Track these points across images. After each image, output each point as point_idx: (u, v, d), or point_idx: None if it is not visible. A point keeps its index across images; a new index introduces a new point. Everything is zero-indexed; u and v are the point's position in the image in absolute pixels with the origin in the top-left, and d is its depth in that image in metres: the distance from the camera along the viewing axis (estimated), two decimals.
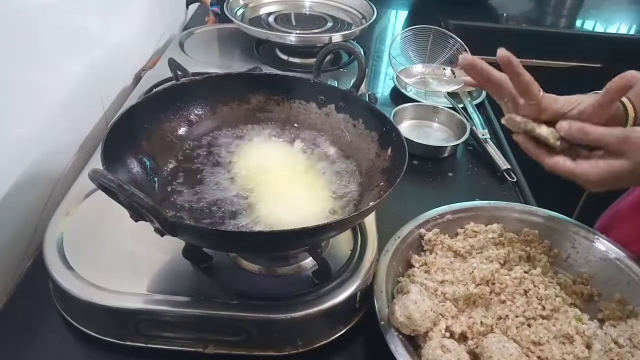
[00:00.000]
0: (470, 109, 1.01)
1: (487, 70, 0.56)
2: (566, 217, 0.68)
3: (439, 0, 1.62)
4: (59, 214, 0.63)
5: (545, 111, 0.56)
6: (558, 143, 0.54)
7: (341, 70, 1.05)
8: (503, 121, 0.59)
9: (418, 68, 1.17)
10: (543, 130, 0.55)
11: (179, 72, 0.66)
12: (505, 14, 1.67)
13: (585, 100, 0.55)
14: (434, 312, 0.53)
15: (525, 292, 0.59)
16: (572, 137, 0.54)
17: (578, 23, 1.70)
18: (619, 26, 1.70)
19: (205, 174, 0.61)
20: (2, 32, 0.59)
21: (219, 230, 0.51)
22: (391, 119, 0.66)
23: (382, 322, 0.53)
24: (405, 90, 1.09)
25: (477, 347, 0.53)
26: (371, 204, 0.51)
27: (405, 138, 0.58)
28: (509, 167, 0.87)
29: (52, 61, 0.72)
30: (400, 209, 0.71)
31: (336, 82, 0.96)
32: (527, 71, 0.55)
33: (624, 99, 0.58)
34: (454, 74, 1.14)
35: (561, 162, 0.54)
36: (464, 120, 0.95)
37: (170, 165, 0.61)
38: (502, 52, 0.54)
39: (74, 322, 0.55)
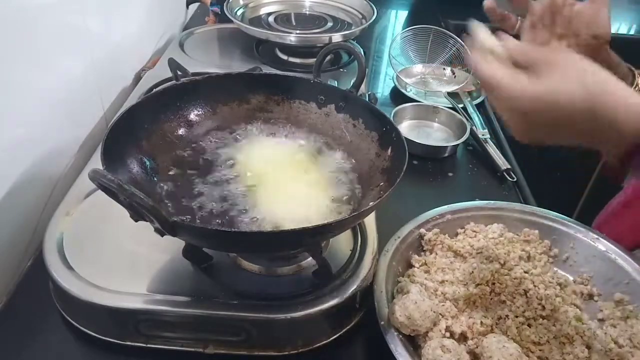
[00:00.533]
0: (470, 109, 1.01)
1: None
2: (566, 217, 0.68)
3: (439, 0, 1.62)
4: (59, 214, 0.63)
5: (554, 3, 0.60)
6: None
7: (341, 70, 1.05)
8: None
9: (418, 68, 1.17)
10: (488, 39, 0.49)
11: (179, 72, 0.66)
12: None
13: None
14: (434, 312, 0.53)
15: (525, 292, 0.59)
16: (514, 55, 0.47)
17: None
18: (619, 26, 1.70)
19: (205, 173, 0.61)
20: (2, 32, 0.59)
21: (219, 230, 0.51)
22: (391, 119, 0.66)
23: (382, 322, 0.53)
24: (405, 90, 1.09)
25: (477, 347, 0.53)
26: (371, 204, 0.51)
27: (405, 138, 0.58)
28: (509, 167, 0.88)
29: (52, 61, 0.72)
30: (400, 209, 0.71)
31: (336, 82, 0.96)
32: None
33: (632, 67, 0.60)
34: (454, 74, 1.14)
35: (492, 68, 0.45)
36: (464, 120, 0.95)
37: (170, 165, 0.61)
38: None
39: (74, 322, 0.56)
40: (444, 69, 1.16)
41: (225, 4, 1.08)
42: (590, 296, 0.62)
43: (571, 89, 0.41)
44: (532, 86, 0.43)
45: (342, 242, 0.63)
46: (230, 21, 1.06)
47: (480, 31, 0.50)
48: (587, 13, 0.60)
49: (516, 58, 0.46)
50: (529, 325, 0.56)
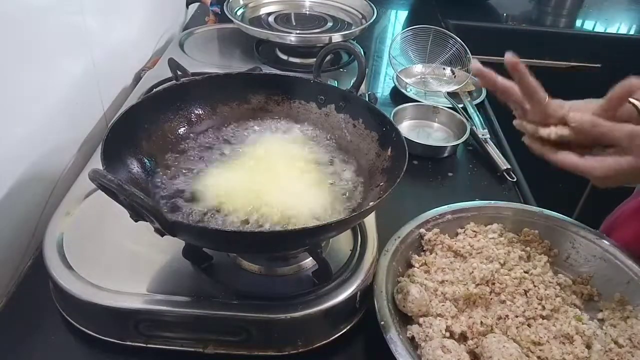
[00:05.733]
0: (470, 109, 1.01)
1: (494, 78, 0.59)
2: (566, 217, 0.68)
3: (439, 0, 1.62)
4: (59, 214, 0.63)
5: (551, 117, 0.57)
6: (566, 132, 0.56)
7: (341, 70, 1.05)
8: (515, 123, 0.61)
9: (418, 68, 1.17)
10: (545, 131, 0.57)
11: (179, 72, 0.66)
12: (505, 14, 1.67)
13: (590, 108, 0.56)
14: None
15: (525, 292, 0.59)
16: (582, 127, 0.55)
17: (578, 23, 1.70)
18: (619, 26, 1.70)
19: (205, 173, 0.60)
20: (2, 32, 0.59)
21: (218, 230, 0.51)
22: (391, 119, 0.66)
23: (382, 322, 0.53)
24: (405, 90, 1.09)
25: (477, 347, 0.53)
26: (371, 204, 0.51)
27: (405, 138, 0.57)
28: (509, 167, 0.88)
29: (52, 61, 0.72)
30: (400, 209, 0.71)
31: (336, 82, 0.96)
32: (531, 75, 0.56)
33: (635, 102, 0.59)
34: (454, 74, 1.14)
35: (568, 158, 0.56)
36: (464, 120, 0.95)
37: (171, 165, 0.61)
38: (509, 57, 0.56)
39: (74, 322, 0.56)
40: (444, 69, 1.16)
41: (225, 4, 1.08)
42: (590, 296, 0.62)
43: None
44: (615, 164, 0.53)
45: (342, 242, 0.63)
46: (230, 21, 1.06)
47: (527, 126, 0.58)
48: None
49: (587, 131, 0.54)
50: (529, 325, 0.56)
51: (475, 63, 0.60)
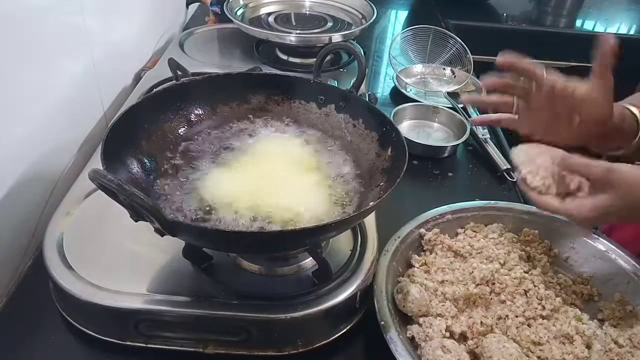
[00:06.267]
0: (470, 109, 1.01)
1: (491, 83, 0.64)
2: None
3: (439, 0, 1.62)
4: (59, 214, 0.63)
5: (554, 90, 0.60)
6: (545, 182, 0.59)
7: (341, 70, 1.05)
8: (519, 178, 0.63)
9: (418, 68, 1.17)
10: (535, 181, 0.59)
11: (179, 72, 0.66)
12: (505, 14, 1.67)
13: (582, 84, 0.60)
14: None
15: (525, 292, 0.59)
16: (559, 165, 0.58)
17: (578, 23, 1.71)
18: (619, 26, 1.70)
19: (205, 173, 0.60)
20: (2, 32, 0.59)
21: (218, 230, 0.51)
22: (391, 119, 0.66)
23: (382, 322, 0.54)
24: (405, 90, 1.09)
25: (477, 347, 0.53)
26: (371, 204, 0.51)
27: (405, 138, 0.58)
28: (509, 167, 0.87)
29: (52, 61, 0.72)
30: (400, 209, 0.71)
31: (336, 82, 0.96)
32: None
33: (635, 111, 0.60)
34: (454, 74, 1.14)
35: (549, 201, 0.58)
36: (464, 120, 0.95)
37: (170, 165, 0.61)
38: (499, 59, 0.61)
39: (74, 322, 0.56)
40: (444, 69, 1.16)
41: (225, 4, 1.08)
42: (590, 296, 0.62)
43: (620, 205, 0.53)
44: (592, 205, 0.54)
45: (342, 242, 0.63)
46: (230, 21, 1.06)
47: (526, 171, 0.60)
48: (588, 99, 0.60)
49: (577, 171, 0.56)
50: (529, 325, 0.56)
51: (464, 97, 0.66)
